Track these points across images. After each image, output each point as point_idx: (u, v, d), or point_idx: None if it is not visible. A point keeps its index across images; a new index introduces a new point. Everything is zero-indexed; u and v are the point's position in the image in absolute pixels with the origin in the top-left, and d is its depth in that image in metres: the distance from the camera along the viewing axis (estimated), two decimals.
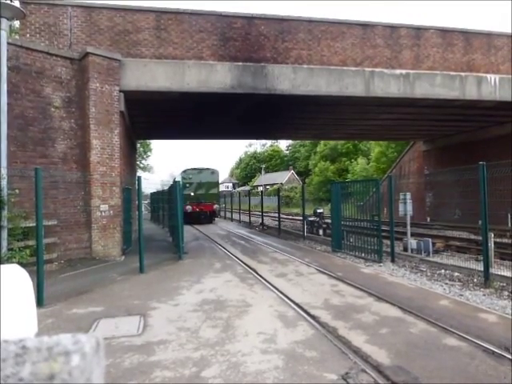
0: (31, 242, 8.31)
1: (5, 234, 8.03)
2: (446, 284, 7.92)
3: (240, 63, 12.06)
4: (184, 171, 27.24)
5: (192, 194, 25.55)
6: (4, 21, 8.06)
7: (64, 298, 6.73)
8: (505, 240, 11.17)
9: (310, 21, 12.82)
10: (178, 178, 25.26)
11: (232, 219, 30.35)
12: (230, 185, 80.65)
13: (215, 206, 26.71)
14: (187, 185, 24.96)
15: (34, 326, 0.87)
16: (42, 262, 6.63)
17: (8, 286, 0.84)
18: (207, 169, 27.84)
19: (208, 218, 26.05)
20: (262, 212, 22.92)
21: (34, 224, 7.01)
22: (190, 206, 24.54)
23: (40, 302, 6.24)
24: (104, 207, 10.72)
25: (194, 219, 24.54)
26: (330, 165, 48.98)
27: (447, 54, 13.86)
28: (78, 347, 0.47)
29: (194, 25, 11.88)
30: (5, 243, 8.01)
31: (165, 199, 18.76)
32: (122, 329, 5.21)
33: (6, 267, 0.90)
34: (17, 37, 13.37)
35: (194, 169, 27.54)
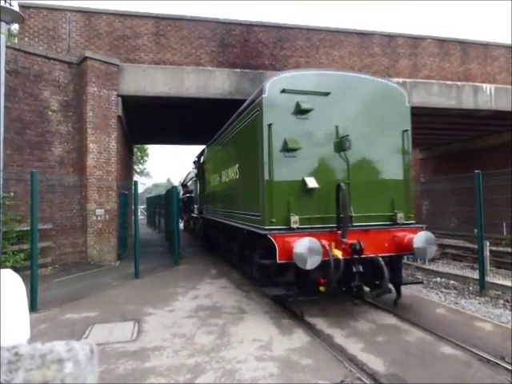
0: (26, 246, 8.25)
1: None
2: (442, 292, 7.93)
3: (238, 70, 12.12)
4: (281, 85, 6.08)
5: (314, 186, 5.96)
6: (3, 24, 8.07)
7: (58, 303, 6.67)
8: (500, 248, 11.21)
9: (309, 29, 12.92)
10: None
11: None
12: None
13: (423, 237, 5.85)
14: (290, 147, 5.94)
15: (26, 331, 0.86)
16: (36, 266, 6.57)
17: (0, 291, 0.83)
18: (375, 81, 6.78)
19: (390, 281, 5.83)
20: None
21: (29, 228, 6.96)
22: (314, 238, 5.33)
23: (34, 306, 6.19)
24: (100, 211, 10.67)
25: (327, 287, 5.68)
26: None
27: (444, 64, 13.99)
28: (71, 354, 0.46)
29: (193, 31, 11.95)
30: None
31: (161, 204, 18.71)
32: (117, 334, 5.17)
33: None
34: (15, 40, 13.38)
35: (320, 75, 6.73)
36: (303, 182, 5.95)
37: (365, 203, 6.21)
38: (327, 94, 6.23)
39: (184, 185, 21.02)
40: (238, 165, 7.99)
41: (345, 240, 5.64)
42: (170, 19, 11.91)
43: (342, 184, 5.84)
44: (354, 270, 5.66)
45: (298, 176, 6.01)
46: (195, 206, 14.73)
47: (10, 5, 7.93)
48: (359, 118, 6.39)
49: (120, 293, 7.59)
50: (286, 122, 6.04)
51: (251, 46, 12.42)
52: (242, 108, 7.62)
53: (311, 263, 5.17)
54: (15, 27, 15.03)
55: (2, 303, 0.79)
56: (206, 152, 12.60)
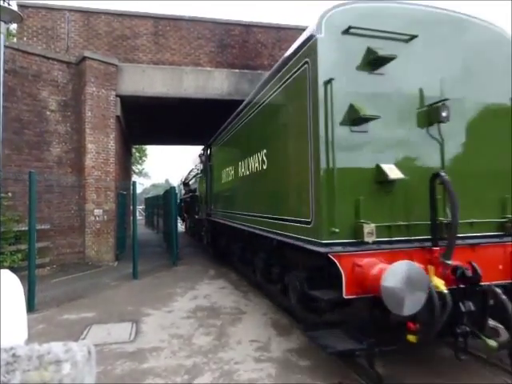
0: (23, 246, 8.23)
1: None
2: None
3: (237, 70, 12.13)
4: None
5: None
6: (2, 24, 8.05)
7: (56, 304, 6.66)
8: None
9: None
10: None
11: None
12: None
13: None
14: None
15: (24, 332, 0.86)
16: (33, 267, 6.56)
17: None
18: (477, 25, 4.46)
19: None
20: None
21: (27, 228, 6.95)
22: (413, 261, 3.38)
23: (31, 307, 6.17)
24: (98, 212, 10.66)
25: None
26: None
27: None
28: (69, 355, 0.46)
29: (192, 31, 11.96)
30: None
31: (160, 204, 18.69)
32: (114, 335, 5.16)
33: None
34: (14, 40, 13.37)
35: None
36: (378, 172, 3.85)
37: (466, 204, 3.92)
38: (412, 37, 4.09)
39: (186, 183, 19.63)
40: (265, 150, 5.65)
41: (450, 262, 3.66)
42: (169, 19, 11.91)
43: (443, 173, 3.75)
44: (463, 308, 3.63)
45: (371, 162, 3.89)
46: (200, 207, 12.85)
47: (9, 4, 7.92)
48: (455, 77, 4.24)
49: (118, 293, 7.58)
50: (352, 78, 3.90)
51: (250, 47, 12.43)
52: (275, 66, 5.29)
53: (412, 306, 3.12)
54: (14, 27, 15.02)
55: (0, 304, 0.79)
56: (216, 141, 10.12)
